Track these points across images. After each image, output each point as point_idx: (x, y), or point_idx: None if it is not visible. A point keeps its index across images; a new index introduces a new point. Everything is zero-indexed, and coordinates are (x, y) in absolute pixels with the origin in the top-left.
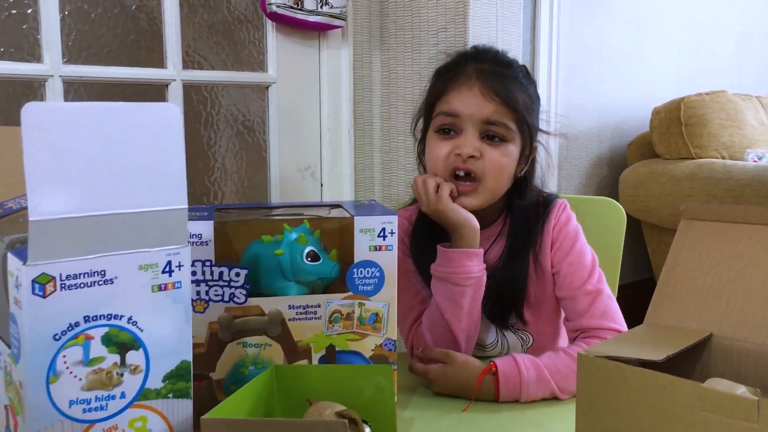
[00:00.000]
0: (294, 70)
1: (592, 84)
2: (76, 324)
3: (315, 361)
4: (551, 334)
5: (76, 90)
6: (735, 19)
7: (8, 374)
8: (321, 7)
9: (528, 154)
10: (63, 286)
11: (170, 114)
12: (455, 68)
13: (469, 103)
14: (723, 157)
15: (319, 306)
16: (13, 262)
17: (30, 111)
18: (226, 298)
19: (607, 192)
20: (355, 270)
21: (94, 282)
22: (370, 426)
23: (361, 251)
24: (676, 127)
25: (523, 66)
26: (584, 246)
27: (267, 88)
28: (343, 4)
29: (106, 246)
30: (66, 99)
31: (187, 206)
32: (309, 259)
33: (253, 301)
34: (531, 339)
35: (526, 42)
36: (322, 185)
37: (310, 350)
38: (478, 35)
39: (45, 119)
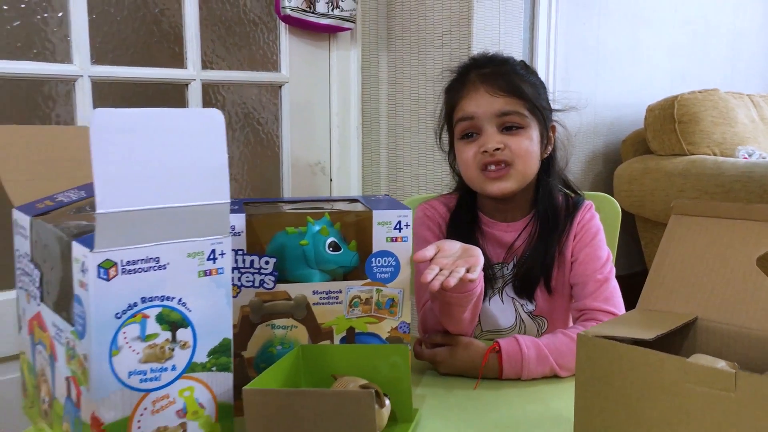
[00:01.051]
0: (305, 70)
1: (589, 82)
2: (135, 304)
3: (336, 342)
4: (563, 320)
5: (103, 89)
6: (728, 19)
7: (71, 349)
8: (332, 10)
9: (548, 135)
10: (123, 270)
11: (215, 119)
12: (460, 80)
13: (480, 103)
14: (714, 154)
15: (340, 292)
16: (79, 249)
17: (98, 116)
18: (257, 284)
19: (602, 187)
20: (373, 259)
21: (150, 267)
22: (389, 399)
23: (379, 242)
24: (670, 124)
25: (521, 61)
26: (602, 242)
27: (280, 87)
28: (353, 8)
29: (160, 235)
30: (94, 97)
31: (229, 201)
32: (331, 249)
33: (281, 287)
34: (546, 324)
35: (525, 42)
36: (331, 180)
37: (332, 332)
38: (481, 38)
39: (111, 123)
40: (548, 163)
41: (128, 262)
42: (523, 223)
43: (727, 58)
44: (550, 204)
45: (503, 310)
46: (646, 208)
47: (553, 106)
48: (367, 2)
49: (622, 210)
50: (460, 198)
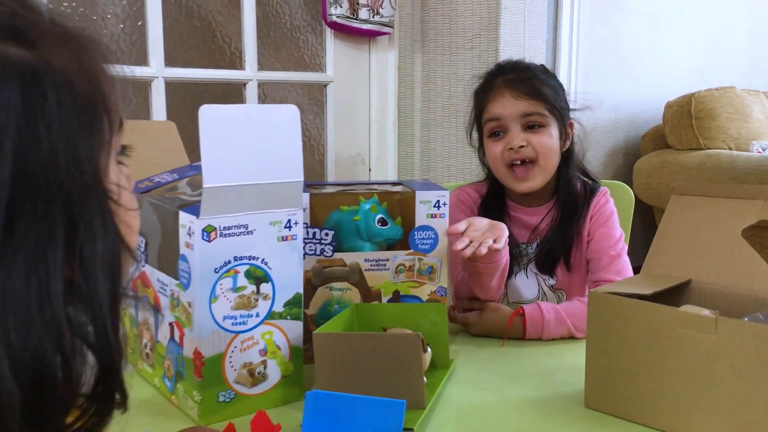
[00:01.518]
0: (348, 70)
1: (609, 80)
2: (228, 262)
3: (384, 302)
4: (580, 293)
5: (173, 88)
6: (746, 18)
7: (175, 299)
8: (372, 16)
9: (566, 132)
10: (221, 234)
11: (292, 113)
12: (487, 85)
13: (506, 105)
14: (730, 148)
15: (387, 260)
16: (185, 217)
17: (205, 111)
18: (318, 253)
19: (621, 180)
20: (415, 233)
21: (240, 232)
22: (430, 349)
23: (421, 218)
24: (687, 120)
25: (541, 65)
26: (615, 222)
27: (325, 86)
28: (391, 14)
29: (249, 207)
30: (166, 95)
31: (302, 180)
32: (379, 224)
33: (338, 256)
34: (565, 297)
35: (548, 43)
36: (370, 170)
37: (380, 294)
38: (508, 40)
39: (215, 117)
40: (567, 156)
41: (224, 228)
42: (545, 209)
43: (746, 56)
44: (569, 191)
45: (527, 284)
46: (663, 200)
47: (573, 105)
48: (404, 9)
49: (641, 202)
50: (490, 186)
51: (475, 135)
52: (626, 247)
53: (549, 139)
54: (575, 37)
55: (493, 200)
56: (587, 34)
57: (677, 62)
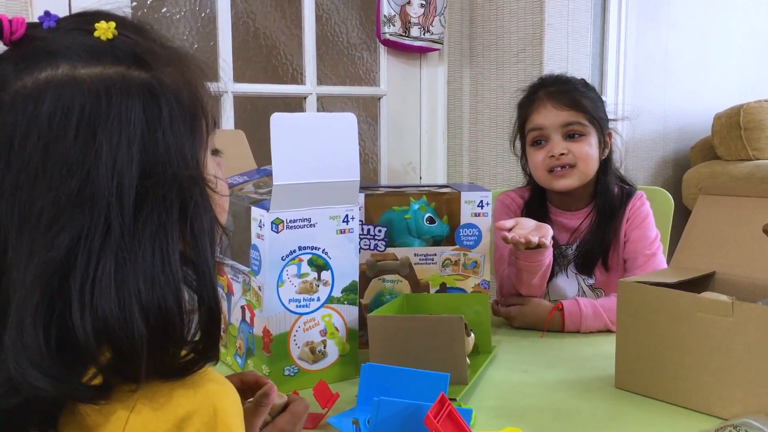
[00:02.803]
0: (400, 84)
1: (657, 92)
2: (294, 251)
3: (431, 293)
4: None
5: (240, 101)
6: None
7: (247, 284)
8: (423, 34)
9: (605, 141)
10: (287, 226)
11: (350, 120)
12: (530, 97)
13: (548, 116)
14: None
15: (435, 255)
16: (257, 211)
17: (276, 118)
18: (372, 247)
19: (671, 191)
20: (461, 230)
21: (304, 225)
22: (474, 334)
23: (465, 217)
24: (736, 131)
25: (582, 79)
26: (651, 224)
27: (379, 99)
28: (441, 31)
29: (312, 202)
30: (235, 109)
31: (358, 179)
32: (428, 222)
33: (390, 251)
34: (603, 295)
35: (595, 56)
36: (420, 178)
37: (428, 286)
38: (552, 54)
39: (284, 123)
40: (606, 164)
41: (291, 221)
42: (584, 213)
43: None
44: (607, 197)
45: (568, 284)
46: None
47: (619, 115)
48: (453, 26)
49: (690, 212)
50: (533, 191)
51: (517, 144)
52: (661, 247)
53: (588, 148)
54: (622, 50)
55: (536, 205)
56: (634, 47)
57: (726, 74)
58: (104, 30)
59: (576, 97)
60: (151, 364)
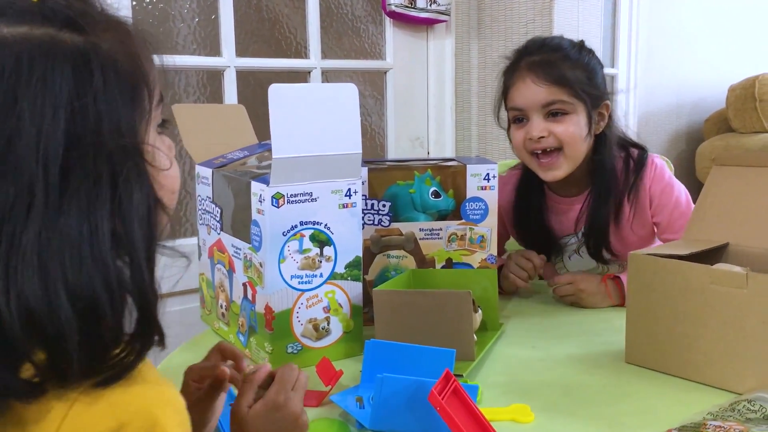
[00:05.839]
0: (406, 57)
1: (671, 64)
2: (295, 226)
3: (437, 268)
4: None
5: (243, 76)
6: None
7: (248, 261)
8: (430, 5)
9: (595, 116)
10: (288, 201)
11: (351, 90)
12: (512, 66)
13: (526, 93)
14: None
15: (441, 229)
16: (257, 186)
17: (274, 89)
18: (376, 223)
19: (685, 165)
20: (467, 204)
21: (305, 199)
22: (481, 310)
23: (472, 190)
24: (751, 102)
25: (579, 42)
26: (680, 195)
27: (385, 73)
28: (448, 2)
29: (313, 176)
30: (238, 84)
31: (360, 152)
32: (433, 196)
33: (395, 226)
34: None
35: (606, 27)
36: (428, 153)
37: (434, 261)
38: (562, 25)
39: (283, 95)
40: (602, 139)
41: (291, 195)
42: (584, 197)
43: None
44: (603, 177)
45: (584, 262)
46: None
47: (632, 86)
48: None
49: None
50: (524, 172)
51: (504, 116)
52: (692, 204)
53: (574, 127)
54: (635, 21)
55: (528, 187)
56: (647, 18)
57: (740, 45)
58: None
59: (560, 70)
60: (85, 358)
